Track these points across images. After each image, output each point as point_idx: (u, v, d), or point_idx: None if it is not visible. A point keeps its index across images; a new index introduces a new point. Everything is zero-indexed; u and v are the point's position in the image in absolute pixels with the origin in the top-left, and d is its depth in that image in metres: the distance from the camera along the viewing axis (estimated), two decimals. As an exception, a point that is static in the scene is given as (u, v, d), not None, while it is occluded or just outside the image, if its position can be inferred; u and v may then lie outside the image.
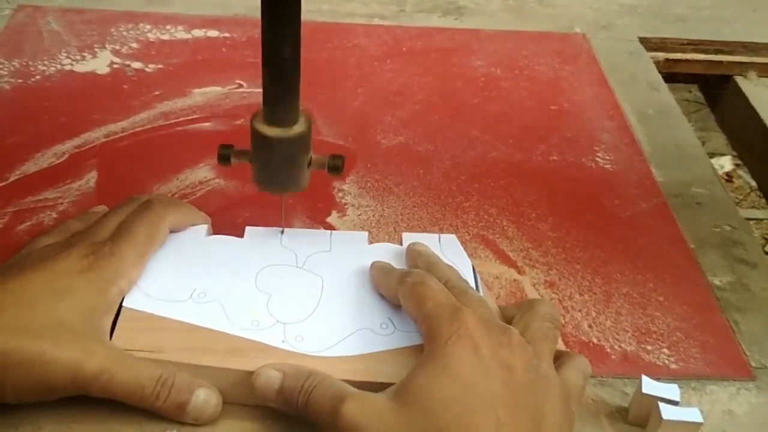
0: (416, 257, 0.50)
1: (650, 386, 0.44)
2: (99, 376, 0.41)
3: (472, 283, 0.49)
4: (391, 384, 0.40)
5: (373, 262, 0.49)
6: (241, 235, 0.52)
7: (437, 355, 0.40)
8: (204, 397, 0.43)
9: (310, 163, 0.49)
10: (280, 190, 0.50)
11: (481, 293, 0.49)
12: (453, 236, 0.54)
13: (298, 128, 0.46)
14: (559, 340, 0.50)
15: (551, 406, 0.39)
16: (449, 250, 0.52)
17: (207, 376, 0.43)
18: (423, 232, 0.57)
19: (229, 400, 0.44)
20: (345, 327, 0.46)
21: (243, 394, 0.44)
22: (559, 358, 0.44)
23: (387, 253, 0.51)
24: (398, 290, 0.45)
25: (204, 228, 0.52)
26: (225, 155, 0.49)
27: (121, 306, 0.45)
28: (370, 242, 0.54)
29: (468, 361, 0.39)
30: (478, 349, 0.39)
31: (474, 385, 0.38)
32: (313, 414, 0.40)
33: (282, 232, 0.52)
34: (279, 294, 0.48)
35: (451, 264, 0.50)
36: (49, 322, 0.41)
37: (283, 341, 0.45)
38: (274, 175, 0.48)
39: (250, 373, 0.43)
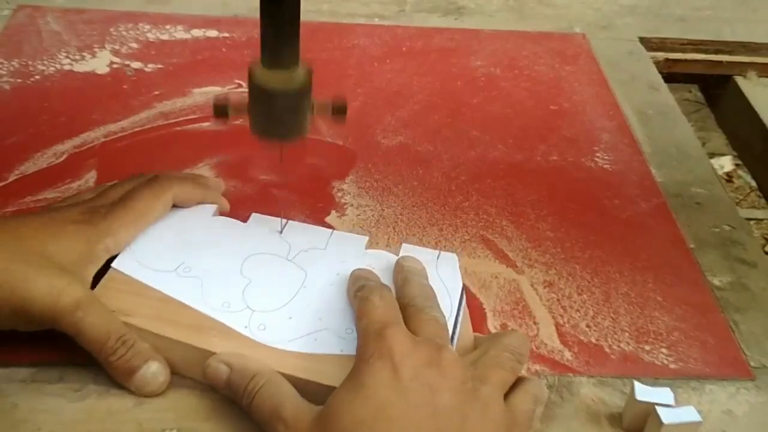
0: (398, 271, 0.49)
1: (644, 392, 0.44)
2: (73, 312, 0.43)
3: (453, 307, 0.48)
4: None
5: (354, 270, 0.49)
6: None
7: (357, 374, 0.39)
8: (154, 370, 0.44)
9: (312, 109, 0.47)
10: (281, 139, 0.48)
11: (461, 317, 0.48)
12: (453, 255, 0.52)
13: (299, 78, 0.44)
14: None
15: (485, 431, 0.38)
16: (444, 269, 0.50)
17: (164, 347, 0.45)
18: (426, 244, 0.57)
19: (184, 374, 0.45)
20: (309, 324, 0.46)
21: (197, 370, 0.44)
22: (513, 384, 0.42)
23: (381, 260, 0.50)
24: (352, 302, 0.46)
25: (212, 207, 0.53)
26: (221, 109, 0.47)
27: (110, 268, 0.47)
28: (369, 247, 0.53)
29: (384, 382, 0.38)
30: (397, 370, 0.38)
31: (387, 406, 0.37)
32: (255, 419, 0.41)
33: (285, 223, 0.53)
34: (259, 281, 0.48)
35: (440, 281, 0.49)
36: (38, 253, 0.44)
37: (245, 327, 0.45)
38: (275, 125, 0.46)
39: (204, 351, 0.44)
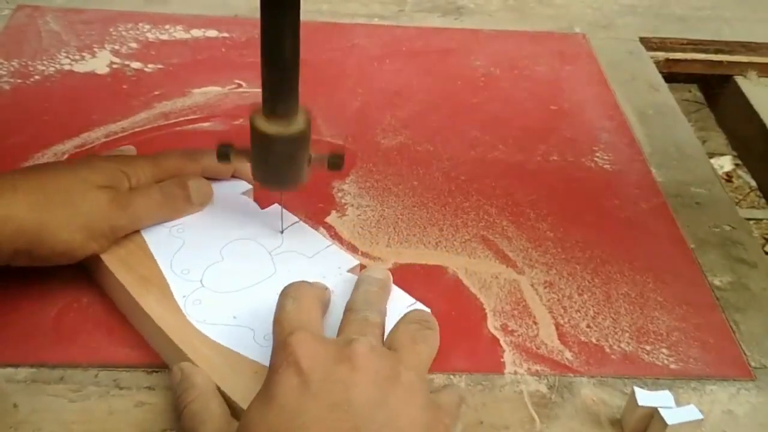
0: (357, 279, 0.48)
1: (646, 397, 0.44)
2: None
3: None
4: (233, 401, 0.41)
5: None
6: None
7: (268, 385, 0.38)
8: (197, 184, 0.51)
9: (309, 160, 0.48)
10: (280, 187, 0.50)
11: None
12: (426, 311, 0.47)
13: (298, 125, 0.46)
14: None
15: (410, 417, 0.37)
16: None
17: (115, 287, 0.48)
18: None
19: (128, 319, 0.48)
20: (240, 319, 0.45)
21: (134, 319, 0.48)
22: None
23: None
24: None
25: (245, 187, 0.55)
26: (224, 153, 0.49)
27: None
28: (368, 251, 0.54)
29: (294, 389, 0.37)
30: (306, 375, 0.37)
31: (299, 414, 0.36)
32: (176, 412, 0.41)
33: (294, 223, 0.53)
34: (229, 264, 0.49)
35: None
36: (63, 208, 0.46)
37: (184, 296, 0.47)
38: (274, 171, 0.48)
39: (137, 303, 0.46)
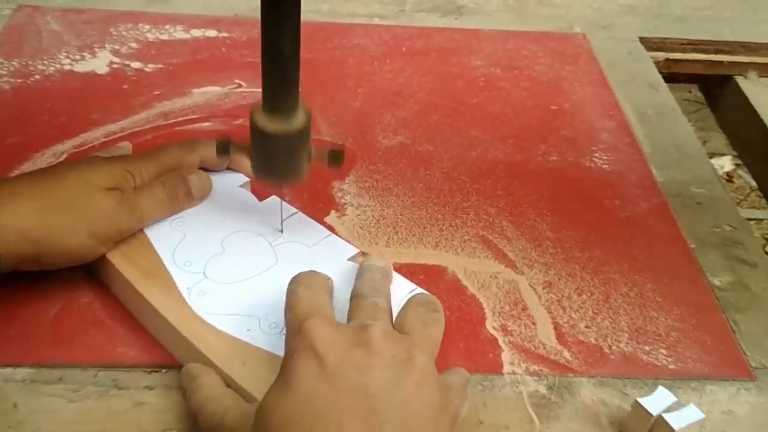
0: (358, 269, 0.48)
1: (653, 405, 0.44)
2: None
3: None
4: (244, 389, 0.42)
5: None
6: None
7: (284, 371, 0.38)
8: (197, 177, 0.52)
9: (309, 156, 0.48)
10: (280, 181, 0.50)
11: None
12: (431, 295, 0.47)
13: (298, 122, 0.46)
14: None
15: (424, 399, 0.37)
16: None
17: (118, 280, 0.48)
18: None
19: (131, 311, 0.49)
20: (243, 308, 0.46)
21: (137, 312, 0.48)
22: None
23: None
24: None
25: (242, 179, 0.55)
26: (224, 147, 0.49)
27: None
28: (368, 251, 0.54)
29: (309, 374, 0.37)
30: (322, 359, 0.37)
31: (314, 399, 0.36)
32: (191, 417, 0.41)
33: (293, 214, 0.53)
34: (230, 255, 0.49)
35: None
36: (71, 213, 0.47)
37: (188, 288, 0.47)
38: (274, 167, 0.48)
39: (141, 296, 0.46)
